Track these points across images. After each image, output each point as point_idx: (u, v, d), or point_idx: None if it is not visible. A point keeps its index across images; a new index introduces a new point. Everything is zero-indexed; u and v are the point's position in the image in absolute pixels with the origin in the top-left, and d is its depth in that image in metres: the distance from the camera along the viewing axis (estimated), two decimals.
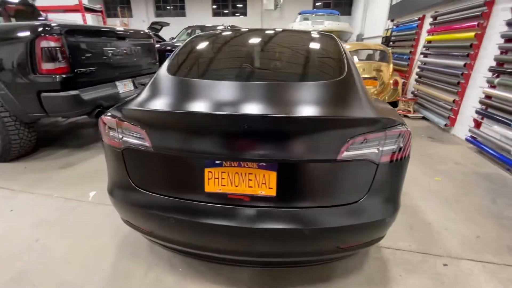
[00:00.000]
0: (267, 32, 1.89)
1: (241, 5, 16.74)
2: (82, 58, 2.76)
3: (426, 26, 5.19)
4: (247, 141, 1.05)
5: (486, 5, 3.44)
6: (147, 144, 1.13)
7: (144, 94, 1.32)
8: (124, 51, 3.35)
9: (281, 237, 1.12)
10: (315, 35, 1.86)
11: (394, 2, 7.15)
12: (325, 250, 1.22)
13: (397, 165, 1.15)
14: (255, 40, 1.81)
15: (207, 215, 1.13)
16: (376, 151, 1.08)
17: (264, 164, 1.06)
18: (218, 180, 1.11)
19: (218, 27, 7.48)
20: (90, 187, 2.42)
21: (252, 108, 1.12)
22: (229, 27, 7.68)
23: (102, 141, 1.31)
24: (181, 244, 1.25)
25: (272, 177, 1.08)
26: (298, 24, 9.59)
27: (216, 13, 17.18)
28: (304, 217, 1.10)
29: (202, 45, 1.82)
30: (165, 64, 1.54)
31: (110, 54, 3.10)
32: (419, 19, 5.50)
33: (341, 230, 1.12)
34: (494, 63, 3.24)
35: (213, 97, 1.21)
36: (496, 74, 3.22)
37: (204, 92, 1.24)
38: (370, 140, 1.07)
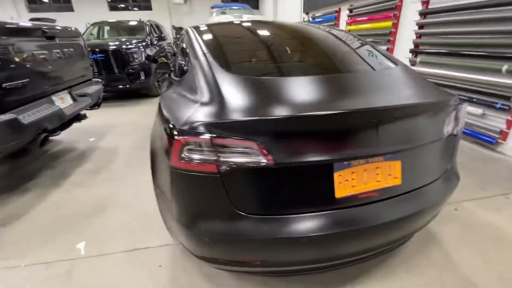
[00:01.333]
0: (284, 25, 1.81)
1: None
2: (10, 67, 1.97)
3: (344, 18, 5.98)
4: (376, 134, 1.00)
5: None
6: (264, 160, 0.93)
7: (210, 101, 1.06)
8: (57, 55, 2.57)
9: (405, 223, 1.14)
10: (328, 29, 1.88)
11: None
12: (423, 225, 1.31)
13: (460, 133, 1.32)
14: (283, 33, 1.71)
15: (340, 223, 1.03)
16: (455, 124, 1.22)
17: (390, 155, 1.05)
18: (348, 182, 1.02)
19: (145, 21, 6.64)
20: (70, 240, 1.83)
21: (362, 101, 1.07)
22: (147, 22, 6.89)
23: (173, 167, 1.01)
24: (302, 262, 1.11)
25: (397, 166, 1.07)
26: (218, 18, 9.45)
27: (113, 7, 15.00)
28: (424, 196, 1.15)
29: (232, 38, 1.60)
30: (205, 60, 1.28)
31: (41, 60, 2.32)
32: (336, 11, 6.27)
33: (445, 200, 1.23)
34: (410, 47, 4.04)
35: (311, 95, 1.09)
36: (415, 55, 4.04)
37: (297, 91, 1.10)
38: (455, 115, 1.20)
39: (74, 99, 2.89)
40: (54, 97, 2.54)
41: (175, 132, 1.00)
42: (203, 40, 1.55)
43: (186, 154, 0.98)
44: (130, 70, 5.58)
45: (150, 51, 6.12)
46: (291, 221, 1.01)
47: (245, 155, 0.94)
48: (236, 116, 0.95)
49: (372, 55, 1.49)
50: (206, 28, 1.82)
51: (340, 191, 1.02)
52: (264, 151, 0.93)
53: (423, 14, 3.81)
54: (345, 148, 0.99)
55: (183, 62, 1.72)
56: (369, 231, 1.06)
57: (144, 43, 5.96)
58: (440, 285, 1.41)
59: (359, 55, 1.50)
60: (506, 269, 1.50)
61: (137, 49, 5.68)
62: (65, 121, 2.55)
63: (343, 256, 1.14)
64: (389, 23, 4.43)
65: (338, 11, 6.21)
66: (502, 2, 2.79)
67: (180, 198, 1.06)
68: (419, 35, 3.92)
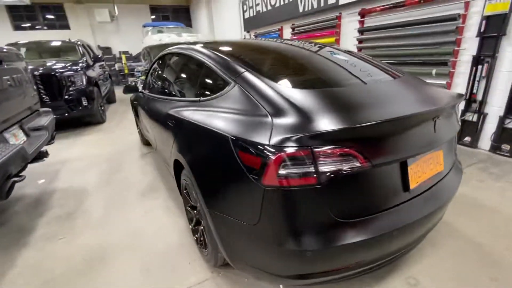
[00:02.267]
0: (289, 42, 1.93)
1: (53, 16, 13.35)
2: None
3: (286, 35, 6.55)
4: (434, 130, 1.19)
5: (337, 18, 4.90)
6: (359, 163, 0.99)
7: (287, 115, 1.06)
8: (8, 83, 2.08)
9: (446, 204, 1.33)
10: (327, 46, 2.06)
11: (246, 16, 8.32)
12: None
13: None
14: (296, 49, 1.80)
15: (416, 210, 1.16)
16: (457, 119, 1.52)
17: (438, 146, 1.24)
18: (416, 174, 1.17)
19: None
20: None
21: (415, 104, 1.22)
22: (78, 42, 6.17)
23: (268, 186, 0.97)
24: (388, 254, 1.19)
25: (441, 155, 1.28)
26: (157, 37, 9.03)
27: (18, 27, 12.78)
28: (452, 181, 1.39)
29: (256, 54, 1.63)
30: (256, 77, 1.28)
31: None
32: (278, 29, 6.81)
33: (459, 185, 1.48)
34: None
35: (373, 101, 1.18)
36: None
37: (358, 99, 1.19)
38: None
39: (27, 135, 2.37)
40: (7, 134, 2.04)
41: (270, 150, 0.97)
42: (233, 57, 1.52)
43: (284, 171, 0.96)
44: (69, 97, 4.85)
45: (91, 73, 5.46)
46: (383, 218, 1.09)
47: (343, 162, 0.98)
48: (328, 126, 0.98)
49: (381, 66, 1.71)
50: (217, 46, 1.80)
51: (413, 183, 1.15)
52: (360, 156, 0.99)
53: (360, 31, 4.51)
54: (416, 143, 1.13)
55: (209, 81, 1.65)
56: (432, 214, 1.22)
57: (82, 65, 5.28)
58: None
59: (375, 66, 1.69)
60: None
61: (75, 72, 4.99)
62: (29, 161, 2.07)
63: (414, 241, 1.27)
64: (332, 39, 5.07)
65: (281, 29, 6.77)
66: (417, 21, 3.57)
67: (276, 217, 1.02)
68: (359, 49, 4.60)
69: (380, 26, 4.16)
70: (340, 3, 4.70)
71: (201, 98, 1.58)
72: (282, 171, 0.96)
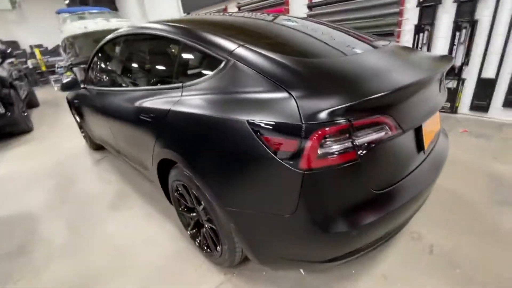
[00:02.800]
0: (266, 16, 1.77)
1: None
2: None
3: None
4: (439, 92, 1.23)
5: None
6: (393, 131, 0.96)
7: (319, 89, 0.95)
8: None
9: (445, 160, 1.42)
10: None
11: None
12: None
13: None
14: (281, 23, 1.65)
15: (430, 171, 1.20)
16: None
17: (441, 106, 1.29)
18: (427, 135, 1.20)
19: None
20: None
21: (426, 69, 1.20)
22: None
23: (307, 170, 0.87)
24: (409, 218, 1.22)
25: (438, 115, 1.35)
26: (80, 25, 7.67)
27: None
28: (444, 136, 1.50)
29: (244, 29, 1.44)
30: (256, 53, 1.12)
31: None
32: (223, 9, 6.46)
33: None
34: None
35: (385, 68, 1.13)
36: None
37: (371, 66, 1.12)
38: None
39: None
40: None
41: (306, 129, 0.85)
42: (214, 32, 1.31)
43: (324, 150, 0.86)
44: None
45: (2, 73, 4.39)
46: (410, 181, 1.09)
47: (378, 131, 0.93)
48: (364, 94, 0.90)
49: (370, 36, 1.68)
50: (184, 22, 1.53)
51: (426, 143, 1.19)
52: (393, 123, 0.95)
53: (309, 7, 4.54)
54: (430, 105, 1.15)
55: (191, 62, 1.41)
56: (439, 171, 1.28)
57: None
58: None
59: (363, 36, 1.63)
60: None
61: None
62: None
63: (425, 200, 1.33)
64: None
65: (225, 9, 6.43)
66: None
67: (319, 201, 0.92)
68: None
69: (329, 1, 4.25)
70: None
71: (184, 83, 1.35)
72: (322, 151, 0.86)
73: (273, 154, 0.92)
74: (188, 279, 1.52)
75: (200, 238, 1.58)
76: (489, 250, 1.49)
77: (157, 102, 1.46)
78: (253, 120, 0.96)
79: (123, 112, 1.84)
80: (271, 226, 1.06)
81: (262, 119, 0.94)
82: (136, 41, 1.97)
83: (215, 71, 1.21)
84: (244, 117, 0.99)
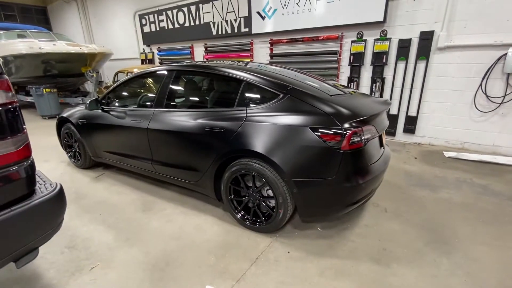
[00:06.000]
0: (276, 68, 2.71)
1: None
2: None
3: (199, 53, 7.12)
4: (387, 117, 2.33)
5: (250, 44, 6.03)
6: (375, 134, 1.97)
7: (335, 111, 1.87)
8: None
9: (389, 161, 2.54)
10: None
11: (146, 30, 8.13)
12: None
13: None
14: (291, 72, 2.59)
15: (383, 162, 2.26)
16: None
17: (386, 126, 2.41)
18: (383, 139, 2.27)
19: None
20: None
21: (381, 105, 2.32)
22: None
23: (344, 151, 1.76)
24: (376, 187, 2.22)
25: (384, 132, 2.47)
26: (26, 45, 6.96)
27: None
28: (388, 149, 2.63)
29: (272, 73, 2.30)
30: (301, 90, 2.01)
31: None
32: (189, 47, 7.26)
33: None
34: None
35: (365, 103, 2.18)
36: None
37: (358, 102, 2.15)
38: None
39: None
40: None
41: (345, 130, 1.75)
42: (268, 76, 2.16)
43: (352, 140, 1.78)
44: None
45: None
46: (379, 163, 2.08)
47: (369, 133, 1.90)
48: (364, 114, 1.88)
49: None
50: (244, 68, 2.35)
51: (382, 144, 2.25)
52: (375, 129, 1.95)
53: (271, 56, 5.82)
54: (383, 124, 2.21)
55: (252, 95, 2.19)
56: (388, 163, 2.36)
57: None
58: None
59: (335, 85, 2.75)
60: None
61: None
62: None
63: (382, 179, 2.37)
64: (248, 60, 6.14)
65: (192, 47, 7.24)
66: (312, 52, 5.21)
67: (349, 168, 1.80)
68: None
69: (286, 53, 5.60)
70: (253, 32, 5.85)
71: (248, 108, 2.11)
72: (351, 141, 1.77)
73: (325, 143, 1.78)
74: (246, 244, 2.12)
75: (249, 215, 2.23)
76: (410, 206, 2.62)
77: (226, 118, 2.15)
78: (312, 126, 1.82)
79: (180, 127, 2.37)
80: (319, 187, 1.87)
81: (318, 125, 1.81)
82: (194, 76, 2.66)
83: (273, 100, 2.03)
84: (305, 125, 1.83)
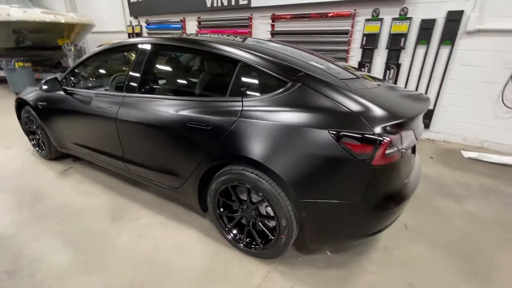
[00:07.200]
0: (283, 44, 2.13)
1: None
2: None
3: (192, 27, 6.37)
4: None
5: (249, 19, 5.33)
6: (415, 141, 1.47)
7: (365, 110, 1.34)
8: None
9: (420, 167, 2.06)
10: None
11: (132, 0, 7.26)
12: None
13: None
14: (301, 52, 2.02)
15: (417, 171, 1.78)
16: None
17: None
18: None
19: None
20: None
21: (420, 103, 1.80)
22: None
23: (376, 166, 1.27)
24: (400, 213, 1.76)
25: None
26: None
27: None
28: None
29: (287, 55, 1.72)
30: (319, 79, 1.47)
31: None
32: (181, 20, 6.49)
33: None
34: None
35: (401, 99, 1.64)
36: None
37: (393, 97, 1.62)
38: None
39: None
40: None
41: (379, 137, 1.24)
42: (273, 57, 1.61)
43: (388, 151, 1.27)
44: None
45: None
46: (413, 177, 1.62)
47: (408, 140, 1.39)
48: (403, 115, 1.35)
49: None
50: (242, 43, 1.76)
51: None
52: (415, 136, 1.44)
53: (272, 34, 5.16)
54: (420, 128, 1.72)
55: (251, 80, 1.64)
56: (420, 171, 1.88)
57: None
58: None
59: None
60: None
61: None
62: None
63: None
64: (247, 36, 5.47)
65: (183, 21, 6.47)
66: (319, 31, 4.58)
67: (381, 188, 1.32)
68: None
69: (289, 31, 4.95)
70: (252, 5, 5.13)
71: (244, 99, 1.58)
72: (387, 152, 1.27)
73: (351, 155, 1.28)
74: (237, 274, 1.67)
75: (242, 236, 1.76)
76: (434, 222, 2.19)
77: (215, 112, 1.61)
78: (333, 130, 1.30)
79: (158, 119, 1.82)
80: (337, 212, 1.39)
81: (340, 130, 1.29)
82: (175, 52, 2.05)
83: (280, 90, 1.50)
84: (324, 127, 1.32)
